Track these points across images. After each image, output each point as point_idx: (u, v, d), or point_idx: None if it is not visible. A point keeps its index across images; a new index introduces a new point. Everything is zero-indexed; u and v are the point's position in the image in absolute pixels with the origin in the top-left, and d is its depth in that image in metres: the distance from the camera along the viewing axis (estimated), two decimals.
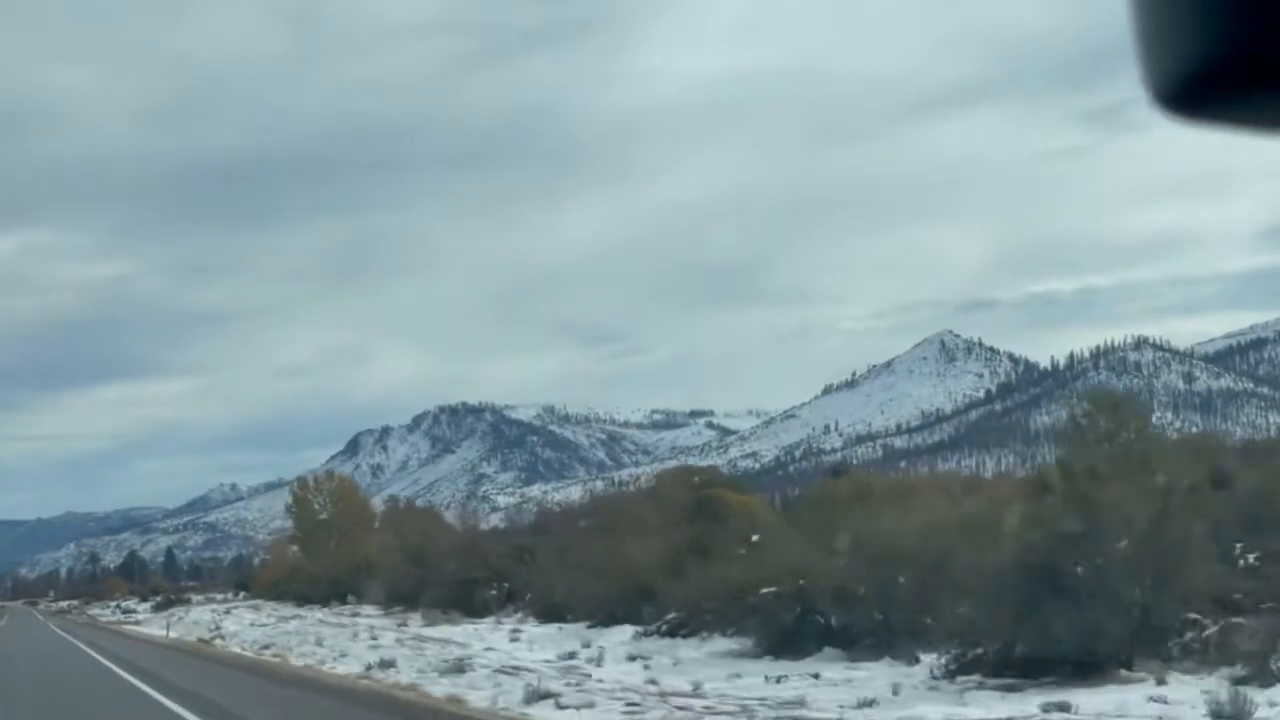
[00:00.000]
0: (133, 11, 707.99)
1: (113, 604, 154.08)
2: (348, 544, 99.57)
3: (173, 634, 54.01)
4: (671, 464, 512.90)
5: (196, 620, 63.74)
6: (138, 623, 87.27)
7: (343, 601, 69.45)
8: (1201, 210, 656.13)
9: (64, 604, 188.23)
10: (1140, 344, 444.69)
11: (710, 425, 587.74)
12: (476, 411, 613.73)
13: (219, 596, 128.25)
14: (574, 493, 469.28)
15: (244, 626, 54.64)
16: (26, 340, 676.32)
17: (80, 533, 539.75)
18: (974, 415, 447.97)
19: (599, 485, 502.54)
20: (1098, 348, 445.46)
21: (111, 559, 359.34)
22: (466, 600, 56.11)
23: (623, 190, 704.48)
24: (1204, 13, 1.84)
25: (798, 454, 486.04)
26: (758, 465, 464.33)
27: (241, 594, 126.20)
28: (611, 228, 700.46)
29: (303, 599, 79.25)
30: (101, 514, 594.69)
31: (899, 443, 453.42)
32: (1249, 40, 1.83)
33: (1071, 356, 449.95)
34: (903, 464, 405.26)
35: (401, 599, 62.53)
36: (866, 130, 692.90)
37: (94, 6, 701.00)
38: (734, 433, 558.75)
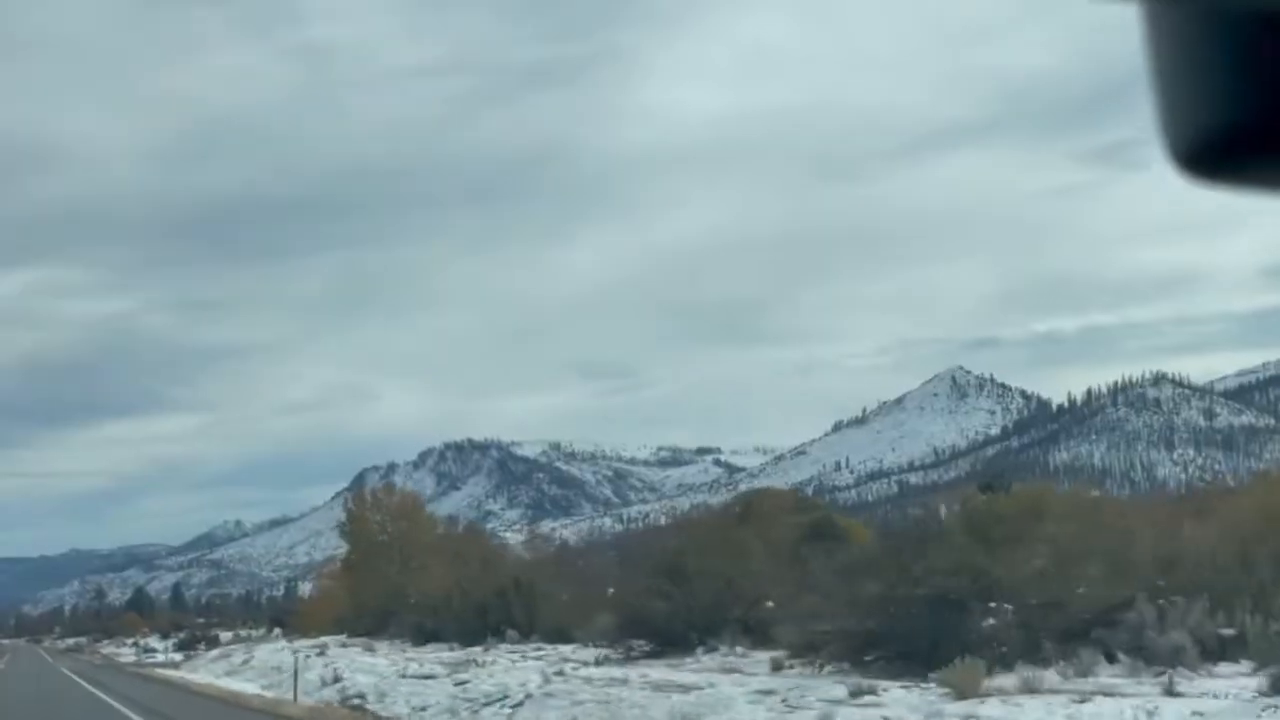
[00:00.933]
0: (139, 52, 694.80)
1: (129, 641, 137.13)
2: (417, 568, 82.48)
3: (277, 694, 37.60)
4: (680, 500, 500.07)
5: (276, 665, 44.21)
6: (174, 665, 70.51)
7: (496, 638, 51.57)
8: (1205, 249, 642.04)
9: (71, 641, 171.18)
10: (1159, 380, 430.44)
11: (717, 463, 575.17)
12: (482, 448, 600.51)
13: (251, 633, 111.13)
14: (582, 529, 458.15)
15: (410, 683, 35.70)
16: (31, 377, 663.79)
17: (84, 570, 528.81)
18: (990, 452, 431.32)
19: (606, 522, 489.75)
20: (1115, 384, 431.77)
21: (116, 596, 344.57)
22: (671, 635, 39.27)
23: (627, 227, 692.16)
24: (1224, 76, 1.76)
25: (809, 491, 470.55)
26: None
27: (277, 630, 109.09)
28: (616, 264, 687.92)
29: (398, 634, 61.68)
30: (106, 551, 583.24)
31: (914, 479, 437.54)
32: (1269, 104, 1.76)
33: (1089, 393, 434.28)
34: (920, 501, 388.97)
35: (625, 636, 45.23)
36: (870, 168, 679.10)
37: (101, 48, 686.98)
38: (742, 469, 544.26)
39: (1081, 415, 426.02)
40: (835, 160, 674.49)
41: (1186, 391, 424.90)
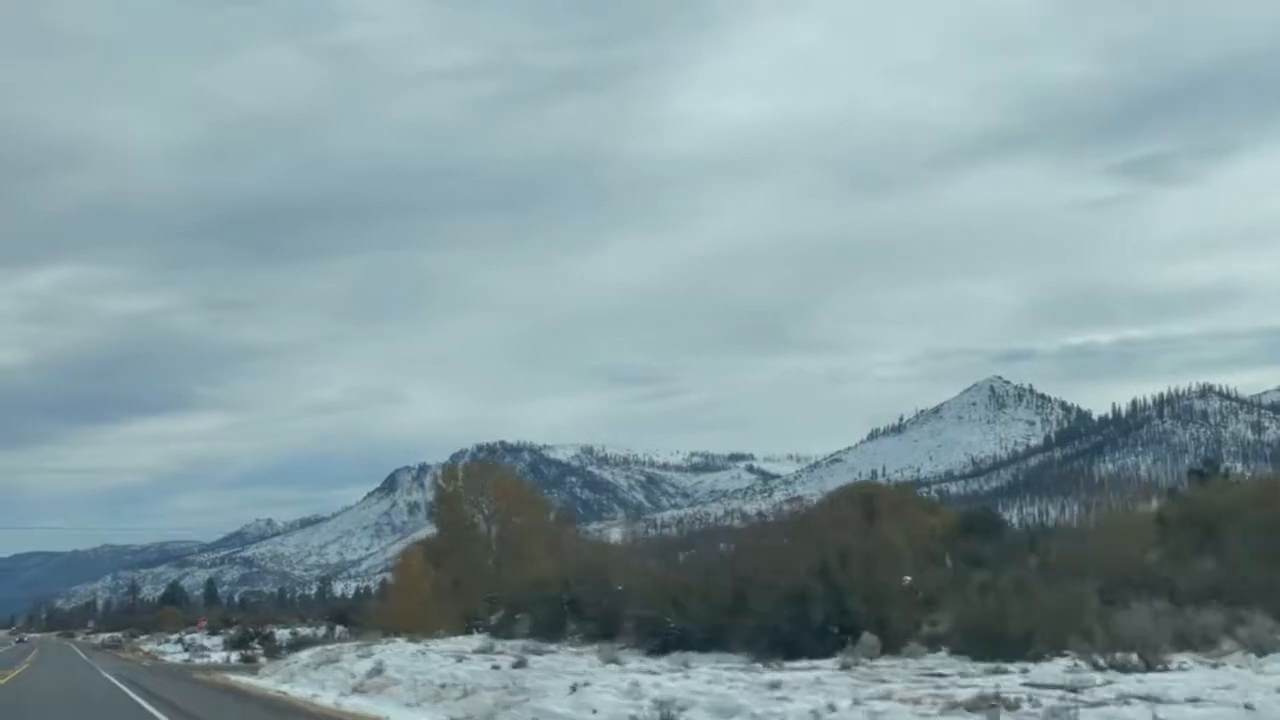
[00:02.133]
0: (173, 54, 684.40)
1: (173, 638, 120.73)
2: (526, 559, 66.64)
3: None
4: (713, 506, 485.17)
5: (437, 680, 25.33)
6: (247, 669, 54.59)
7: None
8: (1239, 264, 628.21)
9: (105, 636, 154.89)
10: (1206, 392, 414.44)
11: (750, 469, 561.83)
12: (515, 450, 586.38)
13: (314, 632, 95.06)
14: (614, 534, 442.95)
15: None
16: (66, 374, 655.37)
17: (116, 565, 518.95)
18: (1033, 462, 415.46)
19: (639, 526, 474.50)
20: (1161, 395, 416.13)
21: (149, 591, 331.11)
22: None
23: (660, 234, 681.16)
24: None
25: None
26: (804, 510, 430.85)
27: (340, 629, 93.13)
28: (648, 271, 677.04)
29: (586, 638, 45.31)
30: (138, 547, 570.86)
31: (954, 488, 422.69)
32: None
33: (1134, 404, 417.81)
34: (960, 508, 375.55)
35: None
36: (903, 178, 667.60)
37: (134, 49, 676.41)
38: (776, 477, 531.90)
39: (1127, 427, 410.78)
40: (870, 169, 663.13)
41: (1234, 404, 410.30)
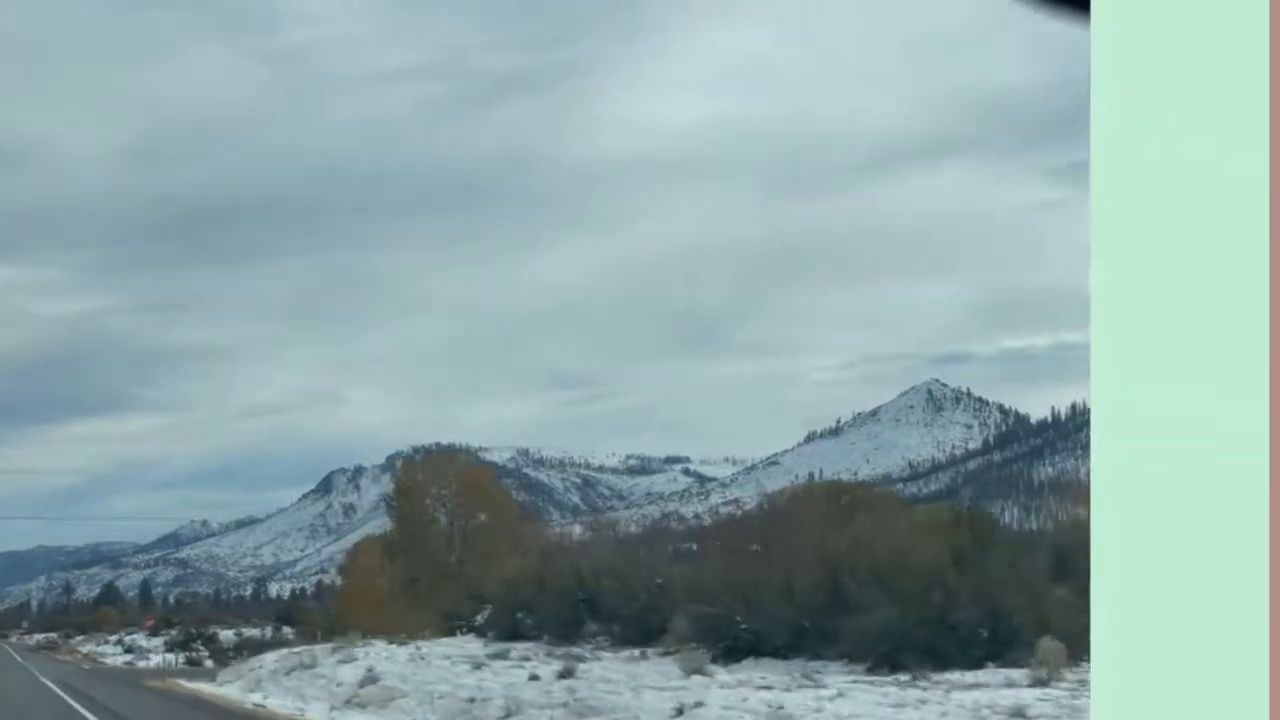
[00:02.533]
0: (111, 55, 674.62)
1: (111, 639, 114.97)
2: (493, 556, 62.10)
3: None
4: (650, 509, 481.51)
5: (438, 693, 23.60)
6: (200, 675, 49.70)
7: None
8: None
9: (40, 637, 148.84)
10: None
11: (686, 472, 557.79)
12: (451, 452, 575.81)
13: (260, 633, 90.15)
14: (576, 532, 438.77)
15: None
16: None
17: (51, 566, 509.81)
18: (972, 465, 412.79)
19: (577, 528, 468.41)
20: None
21: (83, 592, 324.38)
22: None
23: (599, 236, 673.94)
24: None
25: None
26: (740, 512, 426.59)
27: (287, 630, 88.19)
28: (587, 273, 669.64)
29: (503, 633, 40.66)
30: (72, 548, 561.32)
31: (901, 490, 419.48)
32: None
33: (1074, 407, 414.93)
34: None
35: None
36: (843, 182, 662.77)
37: (71, 50, 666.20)
38: (712, 479, 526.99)
39: (1066, 430, 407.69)
40: (810, 174, 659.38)
41: None
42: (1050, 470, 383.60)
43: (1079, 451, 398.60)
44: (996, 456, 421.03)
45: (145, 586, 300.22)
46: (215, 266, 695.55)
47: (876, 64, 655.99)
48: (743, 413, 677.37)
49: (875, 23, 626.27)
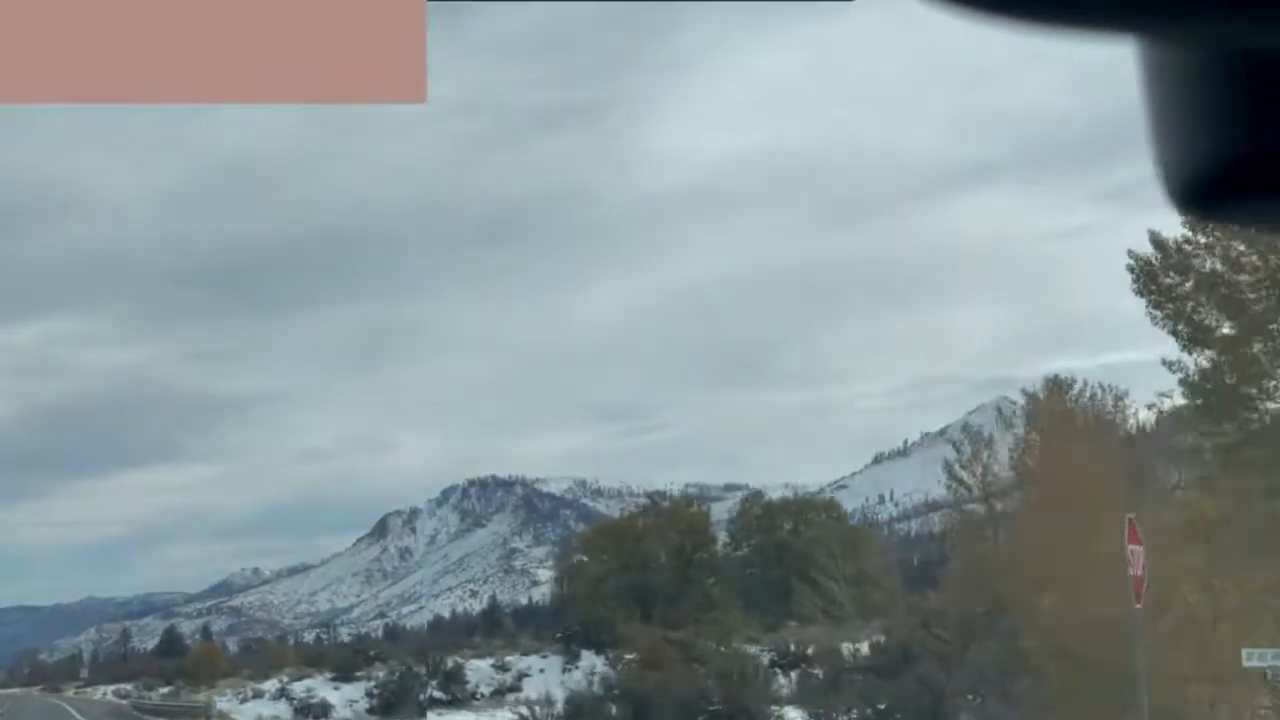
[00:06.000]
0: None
1: (261, 686, 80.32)
2: None
3: None
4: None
5: None
6: None
7: None
8: None
9: (112, 690, 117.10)
10: None
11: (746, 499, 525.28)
12: (507, 485, 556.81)
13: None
14: None
15: None
16: (49, 427, 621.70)
17: (100, 617, 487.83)
18: None
19: None
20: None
21: (138, 642, 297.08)
22: None
23: (642, 270, 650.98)
24: (1221, 109, 1.60)
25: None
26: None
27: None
28: (631, 308, 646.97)
29: None
30: (122, 599, 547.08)
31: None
32: (1263, 141, 1.58)
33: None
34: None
35: None
36: (883, 209, 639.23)
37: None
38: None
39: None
40: (850, 202, 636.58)
41: None
42: None
43: None
44: None
45: (207, 631, 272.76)
46: (259, 314, 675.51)
47: (914, 90, 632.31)
48: (793, 440, 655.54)
49: (911, 48, 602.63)
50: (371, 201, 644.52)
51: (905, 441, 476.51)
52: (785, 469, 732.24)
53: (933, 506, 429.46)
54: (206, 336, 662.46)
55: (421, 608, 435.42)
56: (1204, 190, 1.72)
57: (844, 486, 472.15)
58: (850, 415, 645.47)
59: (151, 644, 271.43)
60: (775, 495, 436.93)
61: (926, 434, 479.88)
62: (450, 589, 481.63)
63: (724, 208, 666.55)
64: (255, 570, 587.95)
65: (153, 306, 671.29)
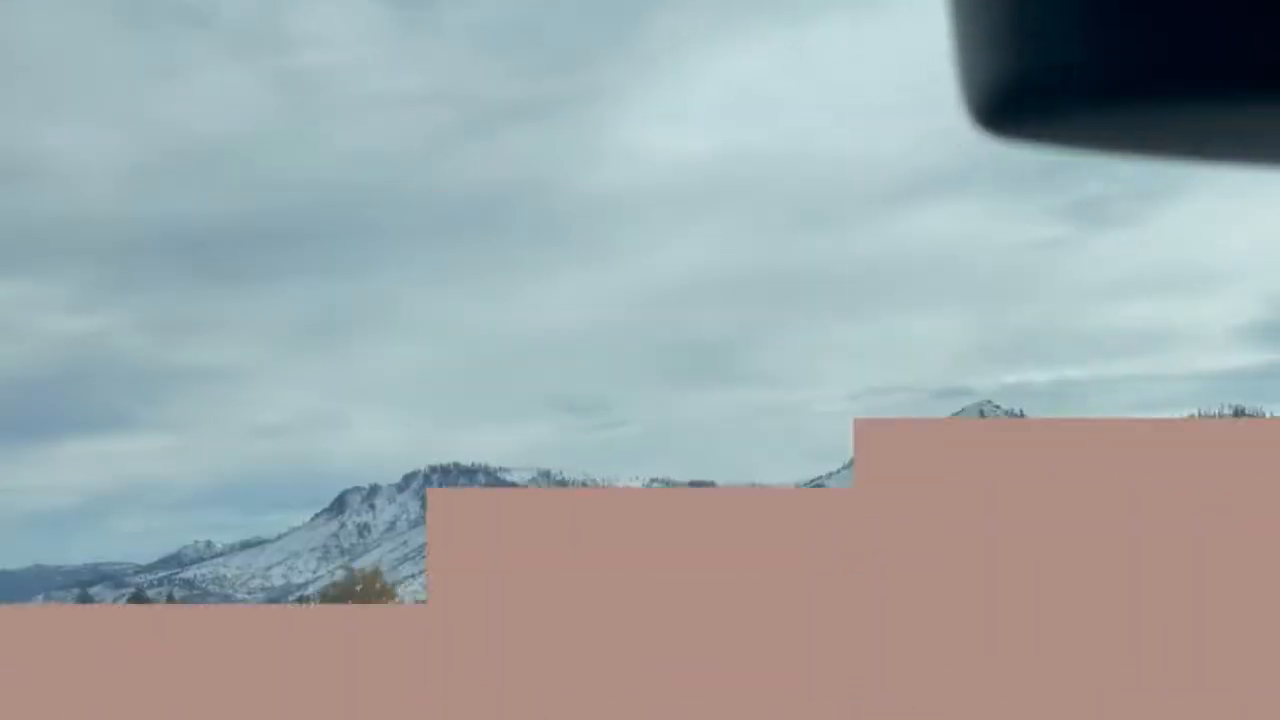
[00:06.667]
0: (119, 70, 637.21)
1: None
2: None
3: None
4: None
5: None
6: None
7: None
8: (1178, 307, 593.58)
9: None
10: (1239, 414, 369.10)
11: None
12: (469, 473, 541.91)
13: None
14: None
15: None
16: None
17: (49, 585, 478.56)
18: None
19: None
20: (1190, 418, 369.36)
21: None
22: None
23: (607, 266, 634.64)
24: (1027, 21, 1.41)
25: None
26: None
27: None
28: (591, 302, 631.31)
29: None
30: (71, 567, 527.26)
31: None
32: (1075, 52, 1.38)
33: None
34: None
35: None
36: (848, 215, 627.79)
37: (83, 70, 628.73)
38: None
39: None
40: (816, 206, 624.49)
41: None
42: None
43: None
44: None
45: (171, 599, 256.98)
46: (221, 288, 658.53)
47: (880, 98, 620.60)
48: (755, 441, 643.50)
49: (879, 56, 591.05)
50: (339, 185, 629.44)
51: None
52: (752, 468, 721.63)
53: None
54: (164, 308, 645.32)
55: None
56: (1008, 107, 1.58)
57: (820, 484, 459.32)
58: (808, 418, 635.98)
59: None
60: None
61: None
62: (413, 576, 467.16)
63: (689, 207, 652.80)
64: (208, 543, 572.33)
65: (110, 276, 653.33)
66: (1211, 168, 1.45)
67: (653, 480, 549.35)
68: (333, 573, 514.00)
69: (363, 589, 56.66)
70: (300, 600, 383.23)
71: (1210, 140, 1.47)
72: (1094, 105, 1.47)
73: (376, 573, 77.81)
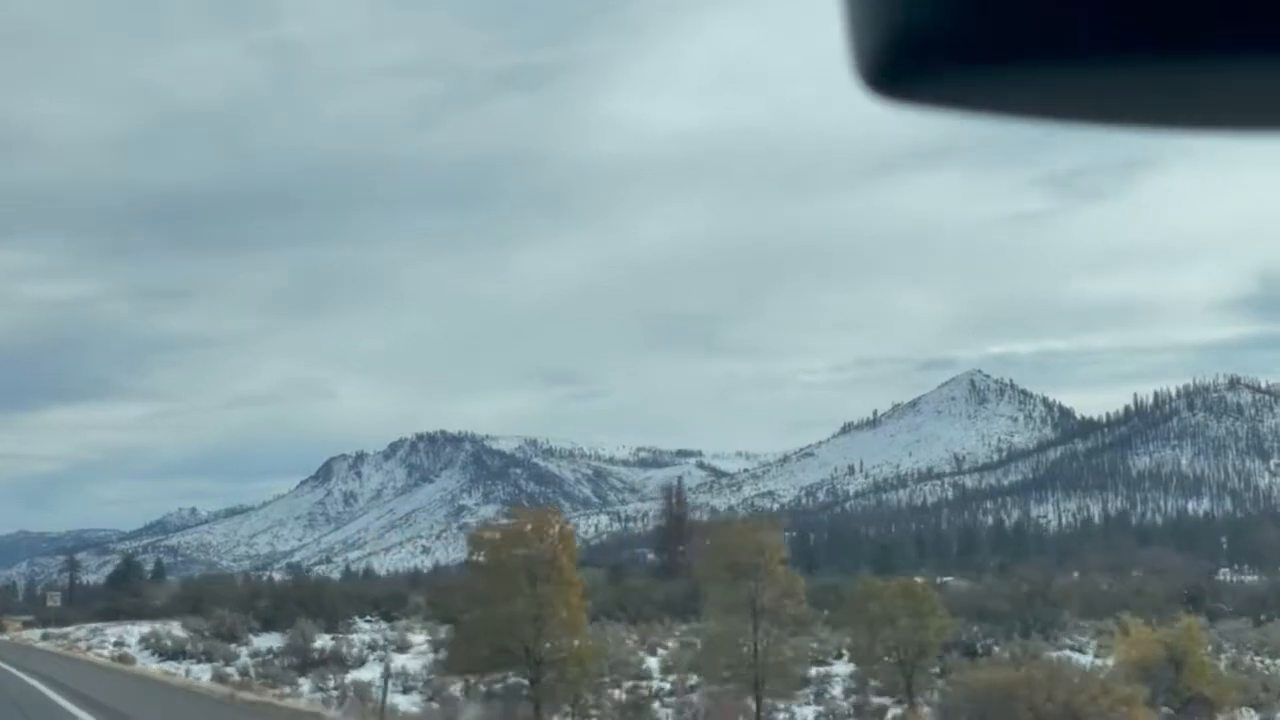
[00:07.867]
0: (110, 43, 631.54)
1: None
2: None
3: None
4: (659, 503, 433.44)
5: None
6: None
7: None
8: (1158, 280, 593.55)
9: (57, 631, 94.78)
10: (1234, 384, 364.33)
11: (700, 465, 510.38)
12: (456, 441, 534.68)
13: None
14: (595, 526, 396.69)
15: None
16: None
17: (33, 551, 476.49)
18: (1054, 454, 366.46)
19: (603, 520, 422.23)
20: (1187, 387, 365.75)
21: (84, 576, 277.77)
22: None
23: (590, 235, 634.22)
24: None
25: (820, 494, 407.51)
26: (777, 504, 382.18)
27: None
28: (580, 271, 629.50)
29: None
30: (55, 534, 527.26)
31: (969, 481, 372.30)
32: (956, 14, 1.48)
33: (1156, 396, 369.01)
34: (988, 504, 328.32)
35: None
36: (835, 187, 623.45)
37: (71, 39, 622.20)
38: (726, 473, 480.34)
39: (1153, 419, 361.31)
40: (803, 177, 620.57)
41: (1268, 397, 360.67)
42: (1147, 460, 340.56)
43: (1174, 441, 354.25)
44: (1079, 445, 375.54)
45: (160, 568, 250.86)
46: (207, 257, 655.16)
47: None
48: (741, 411, 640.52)
49: None
50: (326, 154, 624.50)
51: (875, 412, 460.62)
52: (733, 438, 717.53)
53: (927, 477, 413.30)
54: (150, 276, 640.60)
55: (370, 553, 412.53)
56: (894, 67, 1.55)
57: (810, 454, 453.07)
58: (793, 389, 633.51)
59: (90, 580, 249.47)
60: (727, 464, 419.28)
61: (898, 404, 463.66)
62: (400, 544, 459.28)
63: (676, 179, 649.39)
64: (193, 510, 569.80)
65: (99, 244, 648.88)
66: (1090, 129, 1.51)
67: (639, 449, 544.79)
68: (319, 540, 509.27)
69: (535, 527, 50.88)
70: (287, 568, 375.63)
71: (1093, 101, 1.52)
72: (972, 67, 1.50)
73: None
